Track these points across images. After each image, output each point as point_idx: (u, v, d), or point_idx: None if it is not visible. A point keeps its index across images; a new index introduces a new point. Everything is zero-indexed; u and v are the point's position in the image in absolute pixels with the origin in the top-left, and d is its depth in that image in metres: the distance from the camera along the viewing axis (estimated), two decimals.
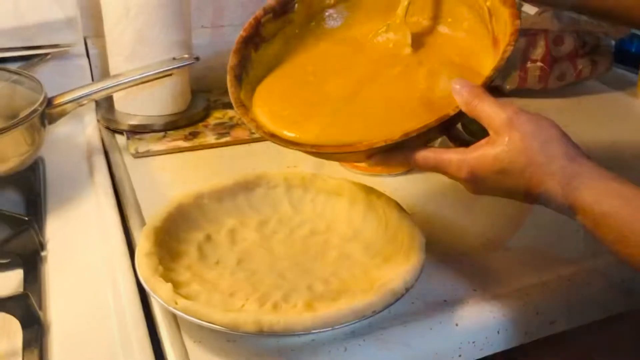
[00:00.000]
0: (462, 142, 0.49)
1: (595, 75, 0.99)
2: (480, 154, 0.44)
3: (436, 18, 0.60)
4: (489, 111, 0.44)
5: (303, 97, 0.56)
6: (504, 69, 0.92)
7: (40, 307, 0.51)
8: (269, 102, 0.56)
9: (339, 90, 0.55)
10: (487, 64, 0.52)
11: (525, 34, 0.93)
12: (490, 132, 0.44)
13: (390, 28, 0.60)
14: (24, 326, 0.49)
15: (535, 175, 0.42)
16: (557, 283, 0.55)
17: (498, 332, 0.52)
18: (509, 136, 0.43)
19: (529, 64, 0.94)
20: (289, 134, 0.52)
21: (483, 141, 0.45)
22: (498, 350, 0.53)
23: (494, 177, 0.43)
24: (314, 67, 0.59)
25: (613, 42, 1.02)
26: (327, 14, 0.63)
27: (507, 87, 0.95)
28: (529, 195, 0.44)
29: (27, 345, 0.48)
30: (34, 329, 0.49)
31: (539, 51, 0.93)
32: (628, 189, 0.40)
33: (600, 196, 0.40)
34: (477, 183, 0.45)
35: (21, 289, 0.54)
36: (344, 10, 0.63)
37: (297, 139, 0.52)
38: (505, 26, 0.50)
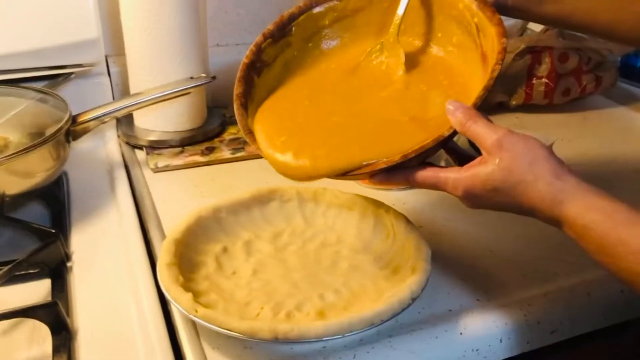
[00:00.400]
0: (458, 155, 0.54)
1: (600, 91, 1.02)
2: (473, 174, 0.47)
3: (426, 34, 0.63)
4: (481, 132, 0.48)
5: (298, 123, 0.58)
6: (510, 86, 0.96)
7: (67, 315, 0.54)
8: (266, 128, 0.58)
9: (333, 115, 0.58)
10: (477, 82, 0.54)
11: (531, 51, 0.96)
12: (483, 152, 0.48)
13: (385, 46, 0.62)
14: (54, 332, 0.52)
15: (525, 192, 0.46)
16: (558, 293, 0.58)
17: (501, 340, 0.54)
18: (500, 157, 0.46)
19: (534, 80, 0.96)
20: (286, 163, 0.54)
21: (476, 161, 0.48)
22: (501, 358, 0.55)
23: (487, 195, 0.47)
24: (309, 92, 0.61)
25: (618, 59, 1.04)
26: (323, 34, 0.65)
27: (513, 102, 0.98)
28: (520, 210, 0.47)
29: (56, 350, 0.51)
30: (63, 335, 0.52)
31: (544, 67, 0.96)
32: (607, 203, 0.43)
33: (582, 210, 0.43)
34: (473, 200, 0.48)
35: (49, 298, 0.58)
36: (338, 31, 0.65)
37: (294, 169, 0.54)
38: (492, 43, 0.53)
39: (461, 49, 0.60)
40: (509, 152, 0.46)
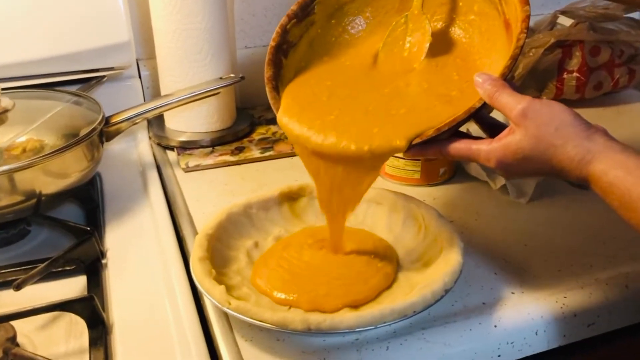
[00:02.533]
0: (487, 124, 0.55)
1: (634, 84, 1.00)
2: (504, 144, 0.48)
3: (448, 4, 0.62)
4: (506, 103, 0.48)
5: (329, 107, 0.57)
6: (540, 81, 0.95)
7: (103, 309, 0.55)
8: (290, 113, 0.57)
9: (359, 98, 0.58)
10: (500, 55, 0.54)
11: (561, 46, 0.94)
12: (510, 123, 0.49)
13: (410, 19, 0.61)
14: (90, 326, 0.53)
15: (554, 156, 0.46)
16: (595, 286, 0.56)
17: (536, 333, 0.53)
18: (525, 126, 0.47)
19: (565, 75, 0.95)
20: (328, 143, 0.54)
21: (505, 132, 0.49)
22: (537, 351, 0.54)
23: (519, 163, 0.48)
24: (334, 77, 0.61)
25: None
26: (345, 10, 0.64)
27: (544, 98, 0.96)
28: (551, 173, 0.48)
29: (93, 343, 0.52)
30: (99, 329, 0.53)
31: (574, 62, 0.94)
32: (632, 161, 0.44)
33: (607, 167, 0.44)
34: (506, 168, 0.49)
35: (85, 293, 0.59)
36: (361, 6, 0.65)
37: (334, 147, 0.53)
38: (515, 11, 0.52)
39: (483, 17, 0.59)
40: (534, 120, 0.47)
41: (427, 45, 0.59)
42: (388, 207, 0.64)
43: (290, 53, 0.62)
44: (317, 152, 0.53)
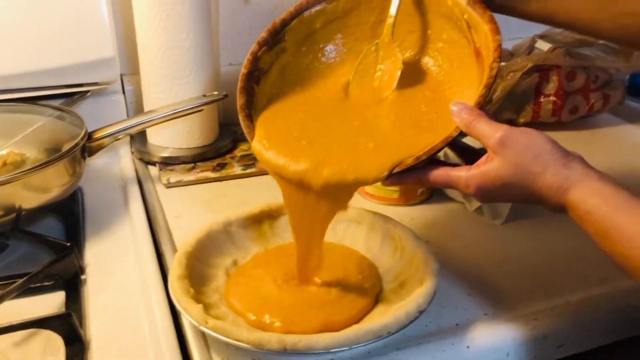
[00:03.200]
0: (462, 151, 0.56)
1: (608, 109, 1.02)
2: (482, 172, 0.49)
3: (416, 31, 0.62)
4: (483, 131, 0.49)
5: (295, 148, 0.57)
6: (517, 104, 0.97)
7: (81, 326, 0.56)
8: (264, 144, 0.57)
9: (333, 128, 0.58)
10: (470, 83, 0.55)
11: (538, 70, 0.97)
12: (489, 151, 0.50)
13: (380, 47, 0.62)
14: (67, 343, 0.53)
15: (533, 183, 0.47)
16: (565, 308, 0.58)
17: (508, 354, 0.55)
18: (503, 154, 0.48)
19: (542, 99, 0.97)
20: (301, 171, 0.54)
21: (483, 159, 0.50)
22: None
23: (497, 190, 0.49)
24: (306, 106, 0.61)
25: (626, 77, 1.05)
26: (315, 37, 0.64)
27: (521, 120, 0.99)
28: (530, 200, 0.49)
29: None
30: (76, 346, 0.53)
31: (551, 86, 0.97)
32: (608, 189, 0.45)
33: (584, 196, 0.45)
34: (485, 195, 0.50)
35: (63, 309, 0.59)
36: (331, 33, 0.64)
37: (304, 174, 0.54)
38: (486, 40, 0.53)
39: (452, 45, 0.60)
40: (512, 148, 0.48)
41: (399, 73, 0.60)
42: (367, 227, 0.66)
43: (262, 80, 0.62)
44: (290, 181, 0.55)
